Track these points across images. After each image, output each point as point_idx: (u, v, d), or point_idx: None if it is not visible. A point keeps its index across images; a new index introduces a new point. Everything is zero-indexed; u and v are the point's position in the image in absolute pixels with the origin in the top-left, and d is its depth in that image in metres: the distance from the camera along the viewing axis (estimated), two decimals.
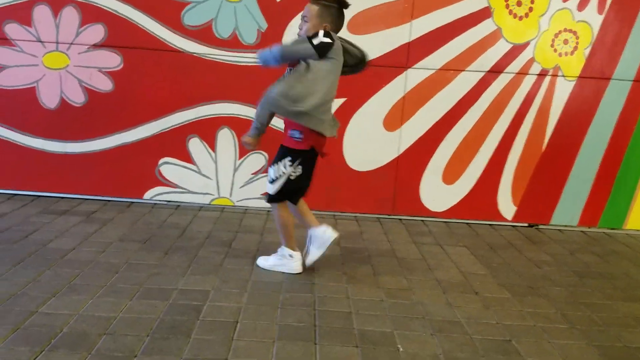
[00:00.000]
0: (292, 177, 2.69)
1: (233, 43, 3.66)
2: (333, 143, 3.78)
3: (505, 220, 3.97)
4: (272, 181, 2.71)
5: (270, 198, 2.76)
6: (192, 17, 3.63)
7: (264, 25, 3.64)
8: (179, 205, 3.85)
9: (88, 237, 3.12)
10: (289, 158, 2.66)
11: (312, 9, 2.60)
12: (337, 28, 2.67)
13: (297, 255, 2.82)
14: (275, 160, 2.71)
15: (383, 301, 2.55)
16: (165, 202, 3.87)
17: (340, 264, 2.99)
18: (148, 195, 3.86)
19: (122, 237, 3.16)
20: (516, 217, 3.96)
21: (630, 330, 2.43)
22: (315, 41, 2.52)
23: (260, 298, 2.49)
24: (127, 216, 3.56)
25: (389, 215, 3.95)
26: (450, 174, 3.89)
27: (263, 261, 2.87)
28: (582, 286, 2.91)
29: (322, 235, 2.79)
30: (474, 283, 2.83)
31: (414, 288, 2.73)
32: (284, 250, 2.84)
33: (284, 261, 2.82)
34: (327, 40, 2.53)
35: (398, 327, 2.29)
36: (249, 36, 3.65)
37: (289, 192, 2.75)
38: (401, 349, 2.12)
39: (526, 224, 3.99)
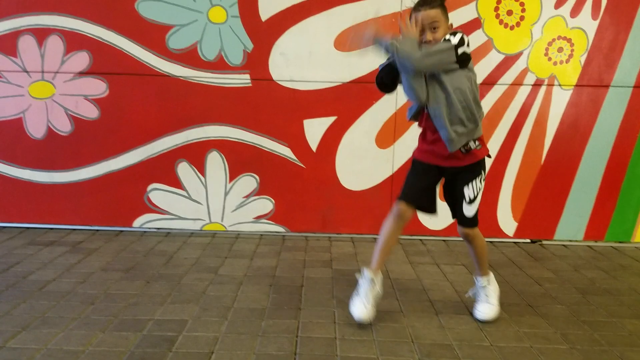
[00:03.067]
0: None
1: (219, 65, 3.60)
2: (326, 164, 3.70)
3: (507, 236, 3.81)
4: (471, 201, 2.38)
5: (474, 221, 2.42)
6: (176, 41, 3.59)
7: (250, 45, 3.59)
8: (169, 233, 3.76)
9: (70, 268, 3.03)
10: (482, 170, 2.38)
11: (438, 12, 2.24)
12: None
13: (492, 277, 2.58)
14: (468, 178, 2.36)
15: (371, 325, 2.41)
16: (155, 230, 3.78)
17: (330, 287, 2.86)
18: (137, 223, 3.77)
19: (105, 267, 3.06)
20: (518, 233, 3.81)
21: (636, 350, 2.26)
22: (460, 50, 2.19)
23: (240, 326, 2.36)
24: (113, 245, 3.47)
25: None
26: None
27: (486, 311, 2.48)
28: (586, 304, 2.75)
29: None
30: (469, 304, 2.68)
31: (405, 310, 2.58)
32: (481, 280, 2.54)
33: (489, 290, 2.53)
34: (469, 50, 2.23)
35: (384, 352, 2.15)
36: (235, 57, 3.60)
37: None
38: None
39: (529, 240, 3.83)
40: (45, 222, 3.78)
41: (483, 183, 2.40)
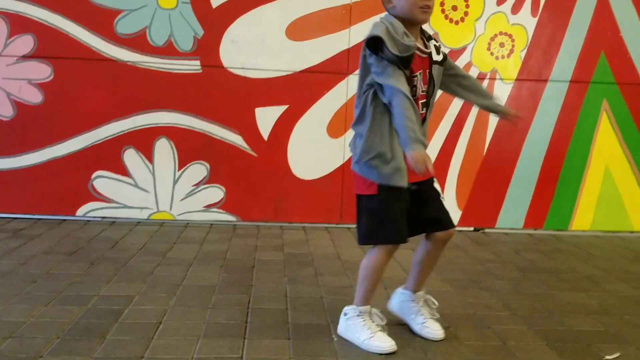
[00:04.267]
0: None
1: (168, 50, 3.57)
2: (278, 153, 3.71)
3: None
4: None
5: None
6: (125, 25, 3.54)
7: (200, 32, 3.58)
8: (114, 222, 3.66)
9: (11, 252, 2.91)
10: None
11: None
12: None
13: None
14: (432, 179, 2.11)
15: (323, 298, 2.44)
16: (100, 219, 3.68)
17: (282, 267, 2.87)
18: (81, 211, 3.66)
19: (48, 250, 2.96)
20: (462, 222, 3.93)
21: (574, 316, 2.37)
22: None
23: (189, 300, 2.34)
24: (56, 232, 3.36)
25: (337, 224, 3.85)
26: None
27: (439, 329, 2.09)
28: (526, 280, 2.87)
29: None
30: None
31: (355, 286, 2.61)
32: (422, 294, 2.19)
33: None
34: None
35: (335, 319, 2.17)
36: (185, 43, 3.58)
37: None
38: (336, 339, 2.00)
39: (472, 228, 3.96)
40: None
41: None
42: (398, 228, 1.94)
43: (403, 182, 1.90)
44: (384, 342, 1.96)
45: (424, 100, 1.97)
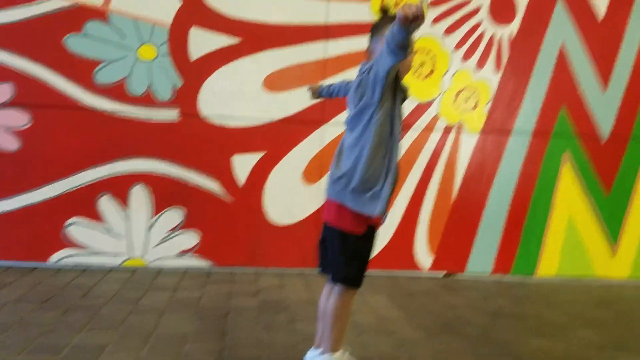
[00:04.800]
0: None
1: (147, 100, 3.66)
2: (254, 198, 3.78)
3: (424, 270, 4.02)
4: None
5: None
6: (104, 75, 3.62)
7: (179, 82, 3.68)
8: (86, 269, 3.64)
9: None
10: None
11: None
12: None
13: None
14: None
15: (299, 344, 2.47)
16: (72, 266, 3.66)
17: (257, 315, 2.89)
18: (54, 258, 3.64)
19: (19, 299, 2.93)
20: (433, 267, 4.02)
21: None
22: None
23: (162, 349, 2.35)
24: (28, 279, 3.32)
25: (313, 269, 3.90)
26: None
27: None
28: (495, 326, 2.95)
29: None
30: (389, 326, 2.81)
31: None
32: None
33: None
34: None
35: None
36: (164, 93, 3.67)
37: None
38: None
39: (443, 274, 4.04)
40: None
41: None
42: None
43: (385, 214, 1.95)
44: None
45: None
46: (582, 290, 3.86)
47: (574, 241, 4.15)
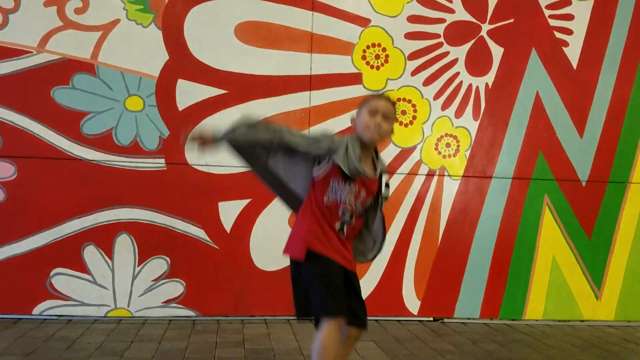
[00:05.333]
0: None
1: (134, 149, 3.70)
2: (240, 245, 3.78)
3: (412, 315, 4.01)
4: None
5: None
6: (91, 127, 3.67)
7: (166, 132, 3.74)
8: (70, 320, 3.58)
9: None
10: None
11: (393, 110, 2.25)
12: None
13: None
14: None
15: None
16: (56, 317, 3.59)
17: None
18: (37, 310, 3.58)
19: (2, 352, 2.87)
20: (421, 312, 4.02)
21: None
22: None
23: None
24: (10, 332, 3.26)
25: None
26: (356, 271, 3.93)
27: None
28: None
29: None
30: None
31: None
32: None
33: None
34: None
35: None
36: (151, 143, 3.72)
37: None
38: None
39: (431, 318, 4.04)
40: None
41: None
42: None
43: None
44: None
45: (348, 211, 2.17)
46: (568, 333, 3.88)
47: (559, 283, 4.20)
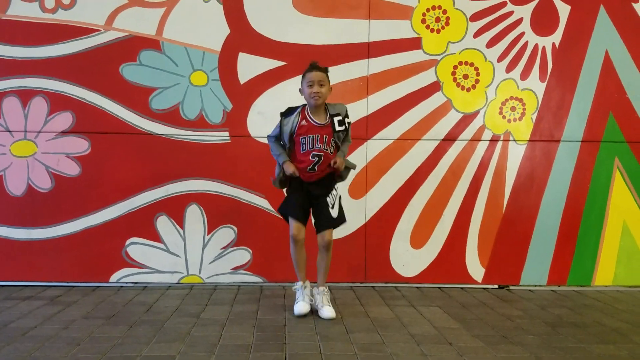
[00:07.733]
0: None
1: (200, 123, 3.81)
2: None
3: (476, 282, 3.99)
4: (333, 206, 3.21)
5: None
6: (159, 102, 3.79)
7: (229, 105, 3.82)
8: (145, 287, 3.77)
9: (51, 317, 3.02)
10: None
11: (324, 75, 3.10)
12: None
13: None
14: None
15: (356, 354, 2.49)
16: (132, 284, 3.79)
17: (313, 326, 2.93)
18: (114, 278, 3.78)
19: (87, 315, 3.06)
20: (486, 279, 3.99)
21: None
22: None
23: (228, 358, 2.41)
24: (91, 298, 3.46)
25: (362, 282, 3.93)
26: (418, 239, 3.95)
27: (330, 311, 3.09)
28: (556, 334, 2.90)
29: None
30: (448, 336, 2.80)
31: (387, 342, 2.68)
32: (323, 289, 3.26)
33: (328, 296, 3.26)
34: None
35: None
36: (215, 116, 3.81)
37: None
38: None
39: (496, 286, 4.00)
40: (20, 280, 3.75)
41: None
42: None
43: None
44: (300, 308, 3.10)
45: (317, 153, 3.07)
46: None
47: (630, 248, 4.06)
